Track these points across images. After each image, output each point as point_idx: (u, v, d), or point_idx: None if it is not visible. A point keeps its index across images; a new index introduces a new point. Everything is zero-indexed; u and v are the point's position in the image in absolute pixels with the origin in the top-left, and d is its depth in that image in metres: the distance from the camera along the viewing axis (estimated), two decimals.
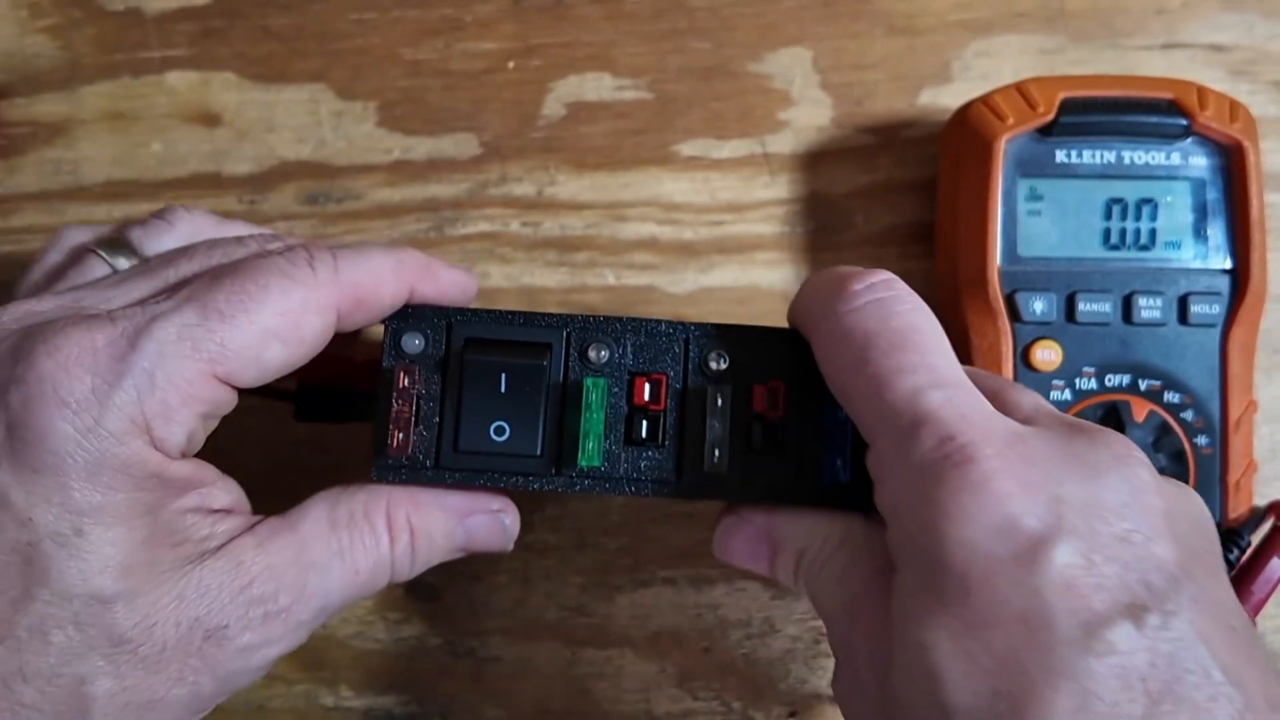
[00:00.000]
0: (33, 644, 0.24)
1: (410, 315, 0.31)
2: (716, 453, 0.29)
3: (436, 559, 0.31)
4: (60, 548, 0.24)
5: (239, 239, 0.30)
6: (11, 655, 0.24)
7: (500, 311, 0.31)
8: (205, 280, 0.27)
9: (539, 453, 0.30)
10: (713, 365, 0.30)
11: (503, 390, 0.30)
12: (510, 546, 0.32)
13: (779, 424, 0.30)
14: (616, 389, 0.30)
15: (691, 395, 0.30)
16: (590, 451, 0.29)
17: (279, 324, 0.27)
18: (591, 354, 0.30)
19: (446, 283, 0.31)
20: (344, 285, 0.28)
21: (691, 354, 0.30)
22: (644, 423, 0.30)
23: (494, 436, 0.30)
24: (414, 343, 0.30)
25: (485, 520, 0.32)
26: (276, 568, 0.28)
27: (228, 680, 0.27)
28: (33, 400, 0.24)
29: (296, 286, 0.27)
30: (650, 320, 0.31)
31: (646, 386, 0.30)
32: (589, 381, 0.29)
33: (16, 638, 0.24)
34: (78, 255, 0.31)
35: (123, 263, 0.30)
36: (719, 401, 0.30)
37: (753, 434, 0.30)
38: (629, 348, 0.30)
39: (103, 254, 0.30)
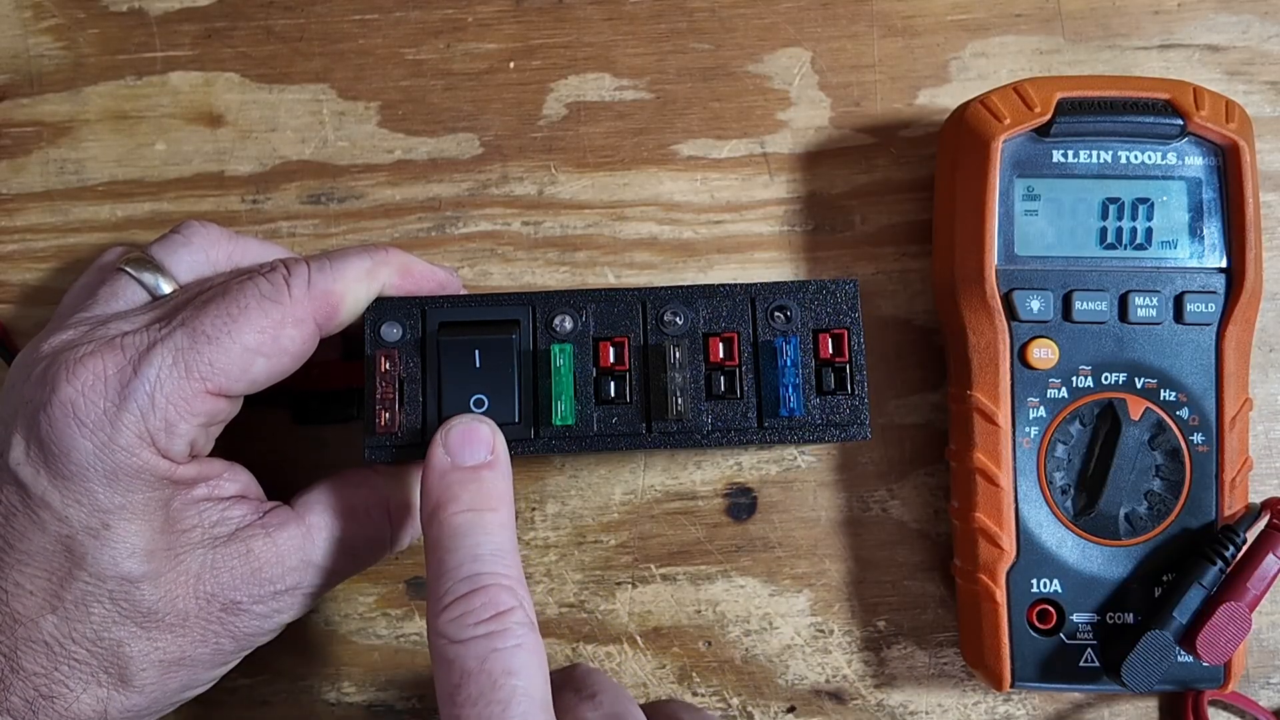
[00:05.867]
0: (78, 614, 0.29)
1: (387, 306, 0.34)
2: (679, 403, 0.32)
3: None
4: (93, 539, 0.29)
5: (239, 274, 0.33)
6: (63, 622, 0.29)
7: (469, 295, 0.34)
8: (195, 306, 0.31)
9: (517, 419, 0.33)
10: (669, 323, 0.33)
11: (477, 365, 0.33)
12: None
13: (735, 370, 0.33)
14: (582, 354, 0.33)
15: (653, 352, 0.33)
16: (563, 412, 0.32)
17: (260, 341, 0.31)
18: (556, 324, 0.33)
19: (423, 278, 0.35)
20: (317, 297, 0.32)
21: (649, 315, 0.33)
22: (611, 383, 0.33)
23: (474, 409, 0.33)
24: (392, 331, 0.33)
25: None
26: (284, 555, 0.32)
27: (246, 640, 0.32)
28: (57, 421, 0.29)
29: (274, 305, 0.31)
30: (608, 289, 0.34)
31: (610, 350, 0.33)
32: (555, 348, 0.32)
33: (65, 609, 0.29)
34: (108, 273, 0.34)
35: (147, 276, 0.34)
36: (677, 355, 0.33)
37: (712, 382, 0.33)
38: (590, 315, 0.33)
39: (129, 270, 0.34)
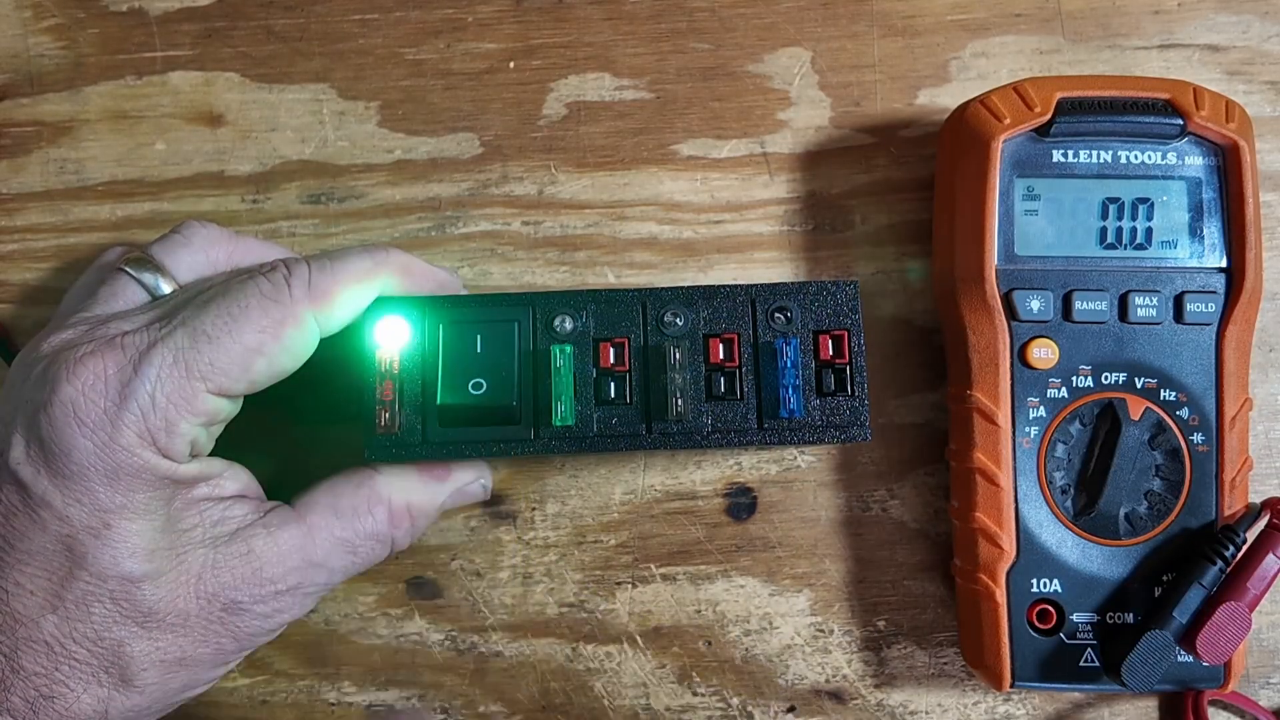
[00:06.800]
0: (78, 614, 0.29)
1: (388, 304, 0.34)
2: (679, 403, 0.32)
3: (425, 528, 0.36)
4: (94, 538, 0.29)
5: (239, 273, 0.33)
6: (63, 622, 0.29)
7: (469, 295, 0.34)
8: (196, 306, 0.31)
9: (515, 402, 0.33)
10: (670, 324, 0.33)
11: (478, 350, 0.33)
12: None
13: (735, 372, 0.33)
14: (582, 355, 0.33)
15: (653, 353, 0.33)
16: (563, 412, 0.32)
17: (260, 340, 0.31)
18: (556, 325, 0.33)
19: (423, 278, 0.35)
20: (317, 296, 0.32)
21: (649, 315, 0.33)
22: (611, 383, 0.33)
23: (472, 391, 0.33)
24: (392, 328, 0.33)
25: (468, 489, 0.37)
26: (284, 554, 0.32)
27: (247, 640, 0.32)
28: (57, 421, 0.29)
29: (274, 305, 0.31)
30: (608, 289, 0.34)
31: (610, 350, 0.33)
32: (555, 349, 0.32)
33: (66, 609, 0.29)
34: (108, 273, 0.34)
35: (147, 276, 0.33)
36: (677, 356, 0.33)
37: (712, 383, 0.33)
38: (591, 316, 0.33)
39: (129, 270, 0.34)
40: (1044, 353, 0.36)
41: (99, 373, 0.29)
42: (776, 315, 0.33)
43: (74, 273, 0.39)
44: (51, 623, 0.29)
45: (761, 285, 0.34)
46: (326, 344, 0.33)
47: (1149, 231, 0.36)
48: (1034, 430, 0.36)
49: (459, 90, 0.41)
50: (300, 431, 0.39)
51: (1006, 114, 0.36)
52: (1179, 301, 0.36)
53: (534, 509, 0.39)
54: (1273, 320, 0.40)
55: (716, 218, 0.41)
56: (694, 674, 0.39)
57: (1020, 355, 0.36)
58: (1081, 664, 0.35)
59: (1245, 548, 0.35)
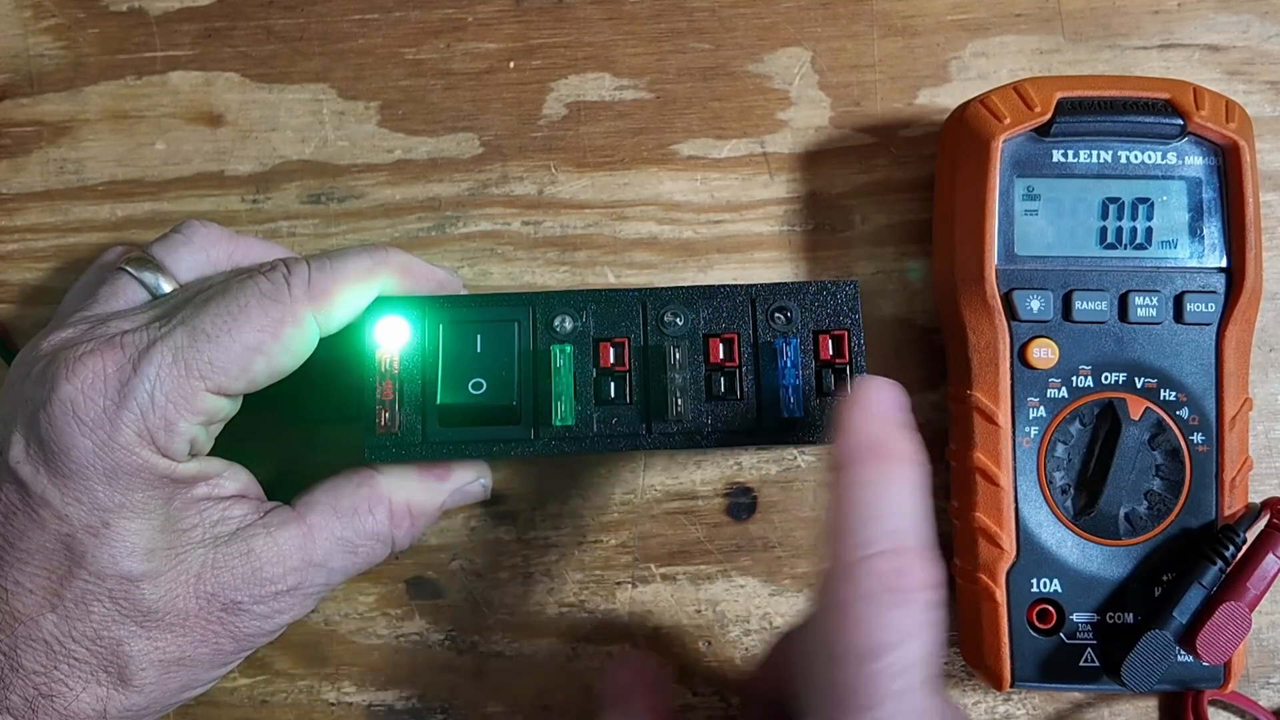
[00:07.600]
0: (77, 612, 0.29)
1: (388, 304, 0.34)
2: (679, 403, 0.32)
3: (425, 528, 0.36)
4: (93, 537, 0.29)
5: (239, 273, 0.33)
6: (62, 620, 0.29)
7: (468, 295, 0.34)
8: (195, 305, 0.31)
9: (515, 402, 0.32)
10: (670, 323, 0.33)
11: (478, 350, 0.33)
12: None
13: (735, 371, 0.33)
14: (582, 355, 0.33)
15: (653, 353, 0.33)
16: (563, 412, 0.32)
17: (260, 339, 0.31)
18: (556, 325, 0.33)
19: (422, 278, 0.35)
20: (317, 296, 0.32)
21: (649, 315, 0.33)
22: (611, 383, 0.33)
23: (472, 391, 0.33)
24: (392, 328, 0.33)
25: (468, 489, 0.37)
26: (284, 554, 0.32)
27: (246, 641, 0.32)
28: (57, 419, 0.29)
29: (274, 304, 0.31)
30: (608, 289, 0.34)
31: (610, 350, 0.33)
32: (555, 349, 0.33)
33: (65, 607, 0.29)
34: (108, 272, 0.34)
35: (147, 275, 0.33)
36: (677, 356, 0.33)
37: (712, 383, 0.33)
38: (591, 316, 0.33)
39: (129, 270, 0.34)
40: (1044, 353, 0.36)
41: (98, 371, 0.29)
42: (776, 315, 0.33)
43: (74, 273, 0.39)
44: (51, 621, 0.29)
45: (761, 285, 0.34)
46: (326, 344, 0.33)
47: (1149, 231, 0.36)
48: (1034, 430, 0.36)
49: (459, 90, 0.41)
50: (300, 431, 0.39)
51: (1006, 114, 0.36)
52: (1179, 301, 0.36)
53: (534, 509, 0.39)
54: (1273, 320, 0.40)
55: (716, 218, 0.41)
56: (694, 674, 0.39)
57: (1020, 355, 0.36)
58: (1081, 664, 0.35)
59: (1245, 548, 0.35)
